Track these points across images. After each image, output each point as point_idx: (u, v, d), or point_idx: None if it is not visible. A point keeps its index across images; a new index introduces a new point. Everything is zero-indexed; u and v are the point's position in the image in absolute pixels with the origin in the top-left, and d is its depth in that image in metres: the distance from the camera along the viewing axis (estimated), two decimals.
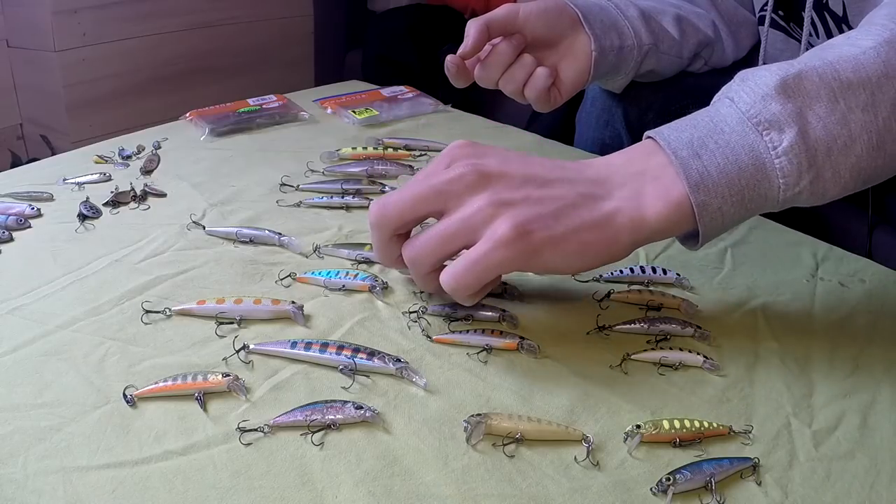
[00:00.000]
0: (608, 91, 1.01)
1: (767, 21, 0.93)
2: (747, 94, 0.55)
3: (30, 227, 0.76)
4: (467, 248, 0.55)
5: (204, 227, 0.76)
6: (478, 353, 0.60)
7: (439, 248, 0.56)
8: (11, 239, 0.73)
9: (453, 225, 0.55)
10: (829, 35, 0.88)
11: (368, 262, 0.71)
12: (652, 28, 0.90)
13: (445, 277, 0.56)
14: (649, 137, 0.58)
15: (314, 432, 0.51)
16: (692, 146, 0.54)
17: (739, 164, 0.53)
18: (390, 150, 0.98)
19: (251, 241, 0.74)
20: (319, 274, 0.68)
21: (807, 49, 0.77)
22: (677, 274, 0.71)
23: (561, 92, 0.88)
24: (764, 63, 0.96)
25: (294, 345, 0.58)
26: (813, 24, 0.89)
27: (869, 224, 0.90)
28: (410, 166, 0.93)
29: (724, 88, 0.59)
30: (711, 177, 0.53)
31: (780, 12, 0.94)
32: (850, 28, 0.80)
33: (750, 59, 1.02)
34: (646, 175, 0.56)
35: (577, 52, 0.87)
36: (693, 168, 0.54)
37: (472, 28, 0.82)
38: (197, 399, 0.53)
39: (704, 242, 0.58)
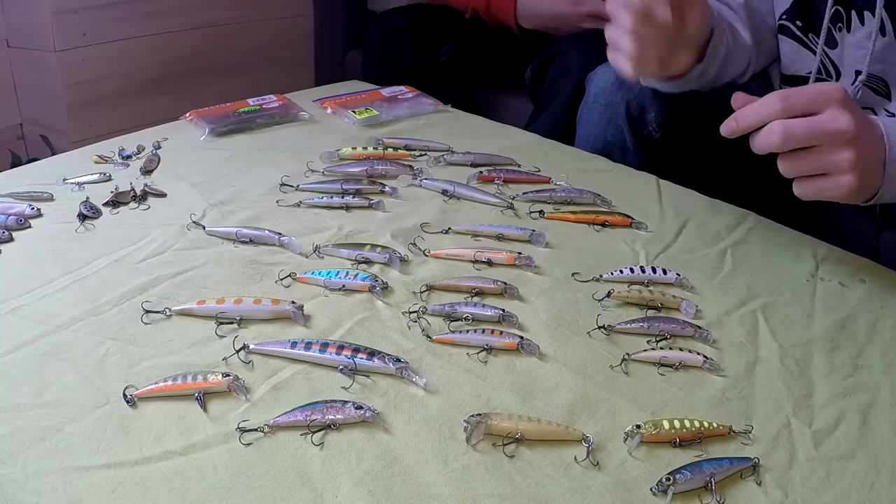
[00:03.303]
0: (609, 89, 1.01)
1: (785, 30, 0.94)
2: None
3: (30, 227, 0.76)
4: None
5: (204, 227, 0.76)
6: (478, 353, 0.60)
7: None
8: (11, 239, 0.73)
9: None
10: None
11: (368, 262, 0.71)
12: (723, 24, 0.90)
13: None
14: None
15: (314, 432, 0.51)
16: None
17: None
18: (390, 150, 0.98)
19: (251, 241, 0.74)
20: (319, 274, 0.68)
21: (821, 58, 0.85)
22: (677, 274, 0.71)
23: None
24: (780, 72, 0.99)
25: (294, 345, 0.58)
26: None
27: (875, 226, 0.90)
28: (410, 166, 0.93)
29: None
30: None
31: (798, 22, 0.95)
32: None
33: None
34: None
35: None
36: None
37: None
38: (197, 399, 0.53)
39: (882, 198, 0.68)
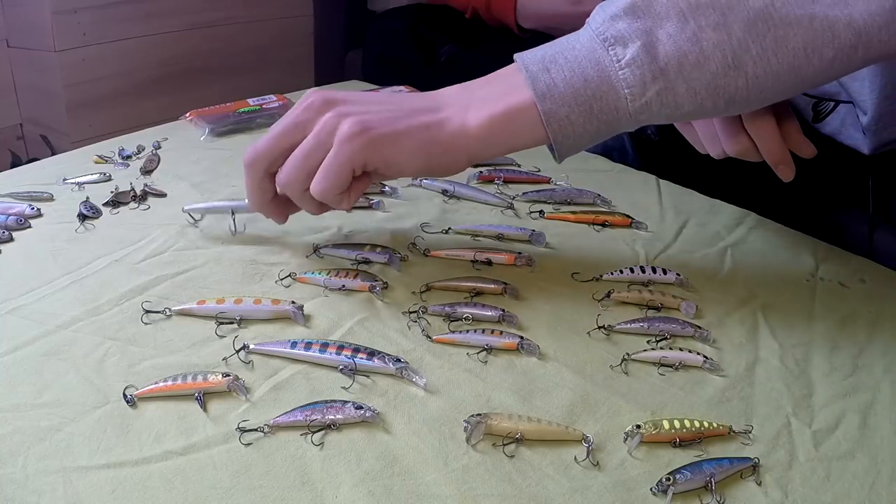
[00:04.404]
0: None
1: None
2: (600, 16, 0.60)
3: (30, 227, 0.76)
4: None
5: (194, 219, 0.76)
6: (478, 353, 0.60)
7: (302, 164, 0.63)
8: (11, 239, 0.73)
9: (309, 142, 0.62)
10: None
11: (368, 261, 0.71)
12: None
13: (313, 187, 0.63)
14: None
15: (314, 432, 0.51)
16: (543, 62, 0.60)
17: (585, 76, 0.58)
18: None
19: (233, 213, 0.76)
20: (319, 274, 0.68)
21: None
22: (677, 274, 0.71)
23: None
24: None
25: (294, 345, 0.58)
26: None
27: (870, 225, 0.90)
28: None
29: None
30: (558, 87, 0.59)
31: None
32: None
33: None
34: (495, 88, 0.63)
35: None
36: (541, 80, 0.59)
37: None
38: (197, 399, 0.53)
39: (561, 153, 0.63)
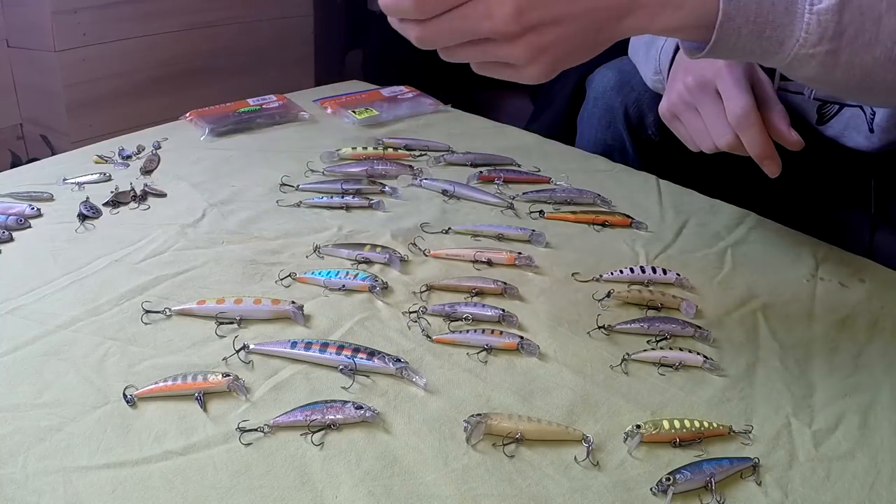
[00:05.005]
0: (608, 93, 1.01)
1: None
2: None
3: (30, 227, 0.76)
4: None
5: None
6: (478, 353, 0.60)
7: (459, 35, 0.54)
8: (11, 239, 0.73)
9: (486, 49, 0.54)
10: None
11: (368, 262, 0.71)
12: None
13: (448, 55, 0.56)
14: None
15: (314, 432, 0.51)
16: None
17: (774, 1, 0.55)
18: (390, 150, 0.98)
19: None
20: (319, 274, 0.68)
21: None
22: (677, 274, 0.71)
23: None
24: None
25: (294, 345, 0.58)
26: None
27: (871, 225, 0.90)
28: (410, 166, 0.93)
29: None
30: None
31: None
32: None
33: None
34: None
35: None
36: None
37: None
38: (197, 399, 0.53)
39: (710, 54, 0.57)
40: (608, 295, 0.67)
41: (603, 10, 0.55)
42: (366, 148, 0.97)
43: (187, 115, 1.07)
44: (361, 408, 0.52)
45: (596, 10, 0.55)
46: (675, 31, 0.57)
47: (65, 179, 0.86)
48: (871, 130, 0.81)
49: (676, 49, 0.81)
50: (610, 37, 0.56)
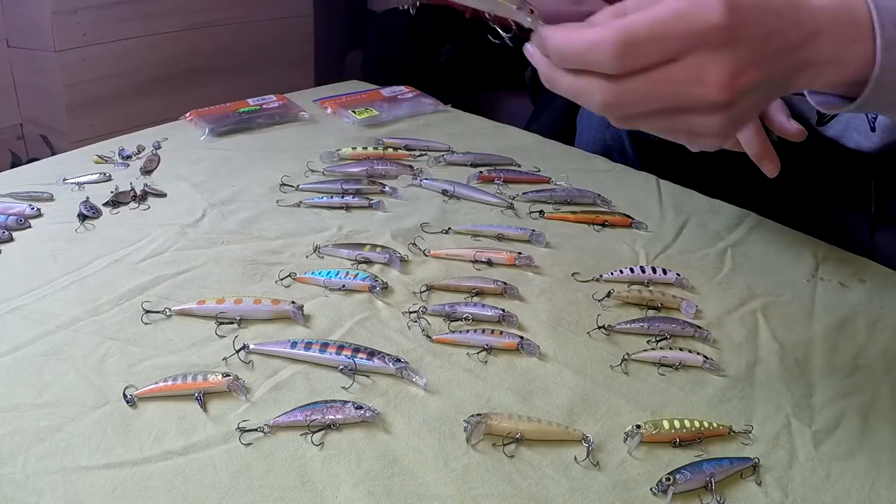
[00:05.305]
0: None
1: None
2: None
3: (30, 227, 0.76)
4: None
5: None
6: (478, 353, 0.60)
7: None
8: (11, 239, 0.73)
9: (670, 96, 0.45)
10: None
11: (368, 262, 0.71)
12: None
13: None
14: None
15: (314, 432, 0.51)
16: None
17: None
18: (390, 150, 0.98)
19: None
20: (319, 274, 0.68)
21: None
22: (677, 274, 0.71)
23: None
24: None
25: (294, 345, 0.58)
26: None
27: (871, 225, 0.90)
28: (410, 166, 0.93)
29: None
30: None
31: None
32: None
33: None
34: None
35: None
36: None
37: None
38: (197, 399, 0.53)
39: (859, 108, 0.50)
40: (608, 295, 0.68)
41: (783, 70, 0.47)
42: (366, 148, 0.97)
43: (187, 115, 1.07)
44: (361, 408, 0.52)
45: (781, 70, 0.47)
46: (833, 88, 0.50)
47: (65, 179, 0.86)
48: (873, 129, 0.81)
49: None
50: (770, 101, 0.50)
